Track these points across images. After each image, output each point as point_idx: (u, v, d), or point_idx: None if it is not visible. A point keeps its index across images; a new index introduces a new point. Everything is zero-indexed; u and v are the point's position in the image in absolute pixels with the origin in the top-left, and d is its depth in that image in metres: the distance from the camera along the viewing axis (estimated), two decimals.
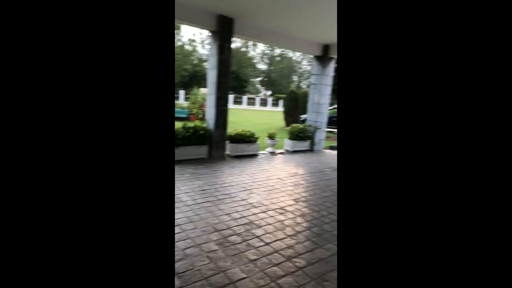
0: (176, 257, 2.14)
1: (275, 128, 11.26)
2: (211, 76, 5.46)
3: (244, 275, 1.99)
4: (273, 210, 3.22)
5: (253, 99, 32.15)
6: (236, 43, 32.65)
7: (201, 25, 5.09)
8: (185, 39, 37.50)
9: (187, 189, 3.66)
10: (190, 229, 2.59)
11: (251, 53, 37.06)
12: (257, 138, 6.12)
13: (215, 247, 2.32)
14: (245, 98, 31.23)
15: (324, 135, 7.78)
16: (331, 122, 11.47)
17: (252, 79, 37.93)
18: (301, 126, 7.26)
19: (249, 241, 2.46)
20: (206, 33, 32.12)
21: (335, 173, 5.18)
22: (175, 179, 3.99)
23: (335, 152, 7.53)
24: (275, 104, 32.25)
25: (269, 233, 2.65)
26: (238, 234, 2.57)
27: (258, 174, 4.66)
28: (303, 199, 3.66)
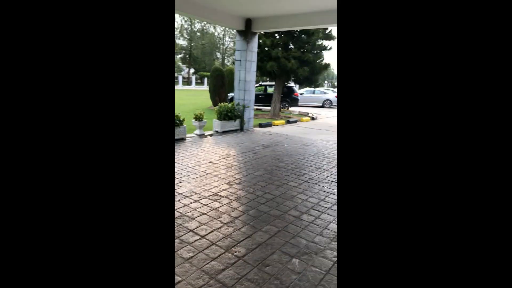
0: None
1: (201, 109, 10.76)
2: None
3: (179, 278, 1.76)
4: (206, 197, 3.00)
5: (175, 78, 30.18)
6: None
7: None
8: None
9: None
10: None
11: None
12: (182, 120, 5.66)
13: None
14: None
15: (253, 113, 7.77)
16: (258, 100, 11.60)
17: None
18: (229, 105, 7.05)
19: (182, 237, 2.21)
20: None
21: (266, 150, 5.22)
22: None
23: (265, 130, 7.63)
24: (199, 82, 30.99)
25: (204, 224, 2.44)
26: None
27: (187, 160, 4.33)
28: (237, 181, 3.54)
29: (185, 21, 34.80)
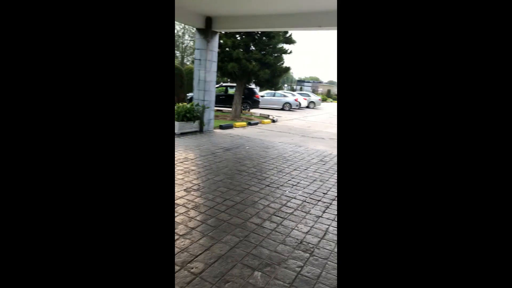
0: None
1: None
2: None
3: None
4: None
5: None
6: None
7: None
8: None
9: None
10: None
11: None
12: None
13: None
14: None
15: (213, 115, 7.54)
16: (218, 101, 11.35)
17: None
18: (188, 105, 6.73)
19: None
20: None
21: (227, 153, 5.06)
22: None
23: (226, 132, 7.44)
24: None
25: None
26: None
27: None
28: (195, 187, 3.33)
29: None
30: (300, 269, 1.96)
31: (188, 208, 2.76)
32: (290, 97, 17.37)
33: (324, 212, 2.92)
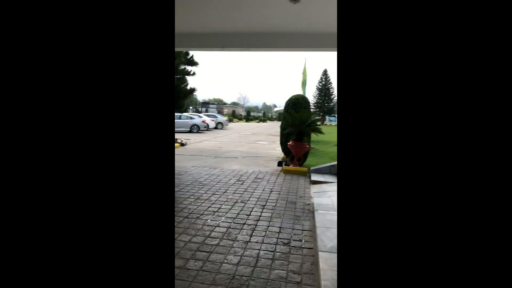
0: None
1: None
2: None
3: None
4: None
5: None
6: None
7: None
8: None
9: None
10: None
11: None
12: None
13: None
14: None
15: None
16: None
17: None
18: None
19: None
20: None
21: None
22: None
23: None
24: None
25: None
26: None
27: None
28: None
29: None
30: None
31: None
32: (197, 119, 17.10)
33: (251, 236, 2.75)
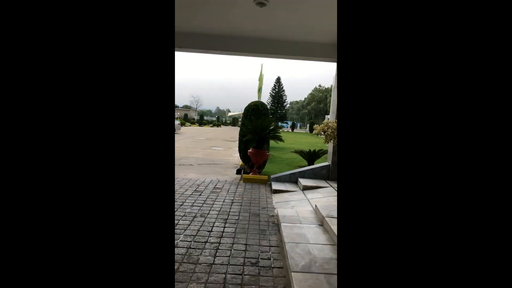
0: None
1: None
2: None
3: None
4: None
5: None
6: None
7: None
8: None
9: None
10: None
11: None
12: None
13: None
14: None
15: None
16: None
17: None
18: None
19: None
20: None
21: None
22: None
23: None
24: None
25: None
26: None
27: None
28: None
29: None
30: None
31: None
32: None
33: (215, 256, 2.47)
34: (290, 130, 40.12)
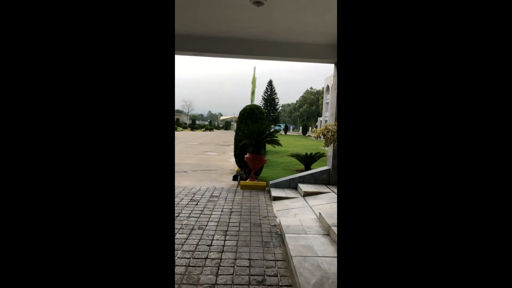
0: None
1: None
2: None
3: None
4: None
5: None
6: None
7: None
8: None
9: None
10: None
11: None
12: None
13: None
14: None
15: None
16: None
17: None
18: None
19: None
20: None
21: None
22: None
23: None
24: None
25: None
26: None
27: None
28: None
29: None
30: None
31: None
32: None
33: (217, 275, 2.26)
34: (283, 133, 40.05)
